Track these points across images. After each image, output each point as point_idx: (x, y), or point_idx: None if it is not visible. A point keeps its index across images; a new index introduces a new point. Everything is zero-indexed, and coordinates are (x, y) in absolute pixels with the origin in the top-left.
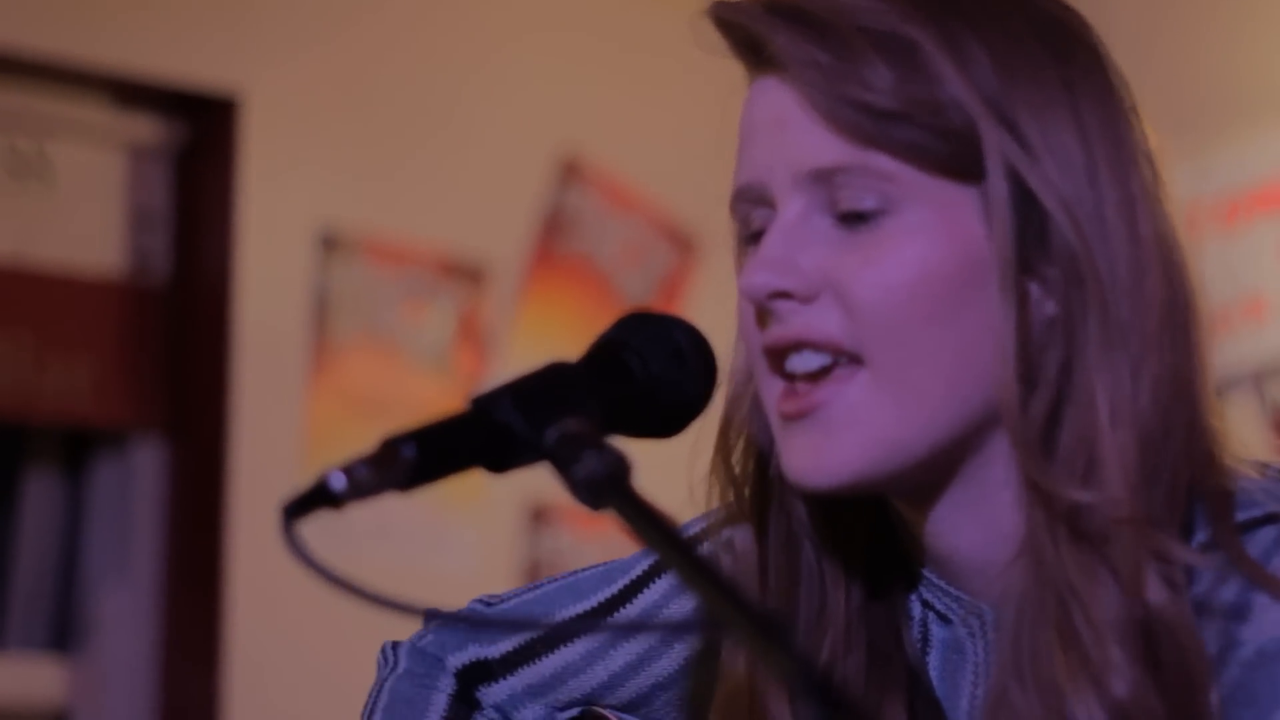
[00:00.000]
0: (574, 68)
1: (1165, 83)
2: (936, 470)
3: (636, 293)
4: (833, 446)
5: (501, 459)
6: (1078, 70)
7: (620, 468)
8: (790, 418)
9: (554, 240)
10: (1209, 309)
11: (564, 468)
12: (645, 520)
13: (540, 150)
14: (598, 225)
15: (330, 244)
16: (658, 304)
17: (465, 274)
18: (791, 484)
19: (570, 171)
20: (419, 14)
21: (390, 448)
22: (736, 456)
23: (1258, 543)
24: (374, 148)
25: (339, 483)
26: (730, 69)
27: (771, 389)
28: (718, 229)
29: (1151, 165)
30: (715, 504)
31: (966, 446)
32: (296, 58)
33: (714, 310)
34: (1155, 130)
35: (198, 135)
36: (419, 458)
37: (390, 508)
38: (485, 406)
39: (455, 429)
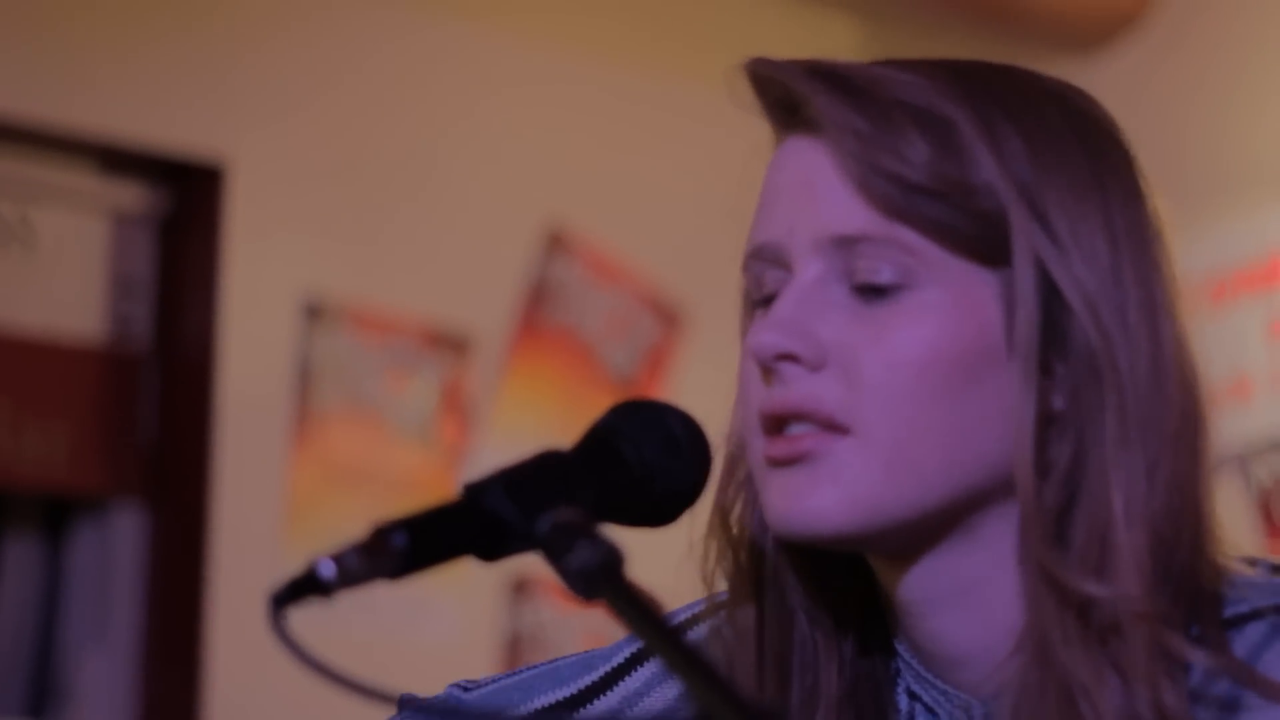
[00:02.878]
0: (560, 139)
1: (1150, 161)
2: (924, 540)
3: (621, 365)
4: (816, 495)
5: (493, 548)
6: (1109, 169)
7: (613, 558)
8: (777, 462)
9: (539, 311)
10: (1214, 419)
11: (556, 558)
12: (638, 612)
13: (526, 221)
14: (583, 297)
15: (314, 313)
16: (642, 376)
17: (449, 344)
18: (772, 531)
19: (555, 243)
20: (405, 84)
21: (381, 536)
22: (734, 517)
23: (1245, 639)
24: (359, 217)
25: (329, 571)
26: (718, 143)
27: (761, 444)
28: (703, 302)
29: (1171, 269)
30: (710, 565)
31: (957, 523)
32: (282, 126)
33: (699, 383)
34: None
35: (182, 203)
36: (410, 546)
37: None
38: (477, 495)
39: (446, 517)
